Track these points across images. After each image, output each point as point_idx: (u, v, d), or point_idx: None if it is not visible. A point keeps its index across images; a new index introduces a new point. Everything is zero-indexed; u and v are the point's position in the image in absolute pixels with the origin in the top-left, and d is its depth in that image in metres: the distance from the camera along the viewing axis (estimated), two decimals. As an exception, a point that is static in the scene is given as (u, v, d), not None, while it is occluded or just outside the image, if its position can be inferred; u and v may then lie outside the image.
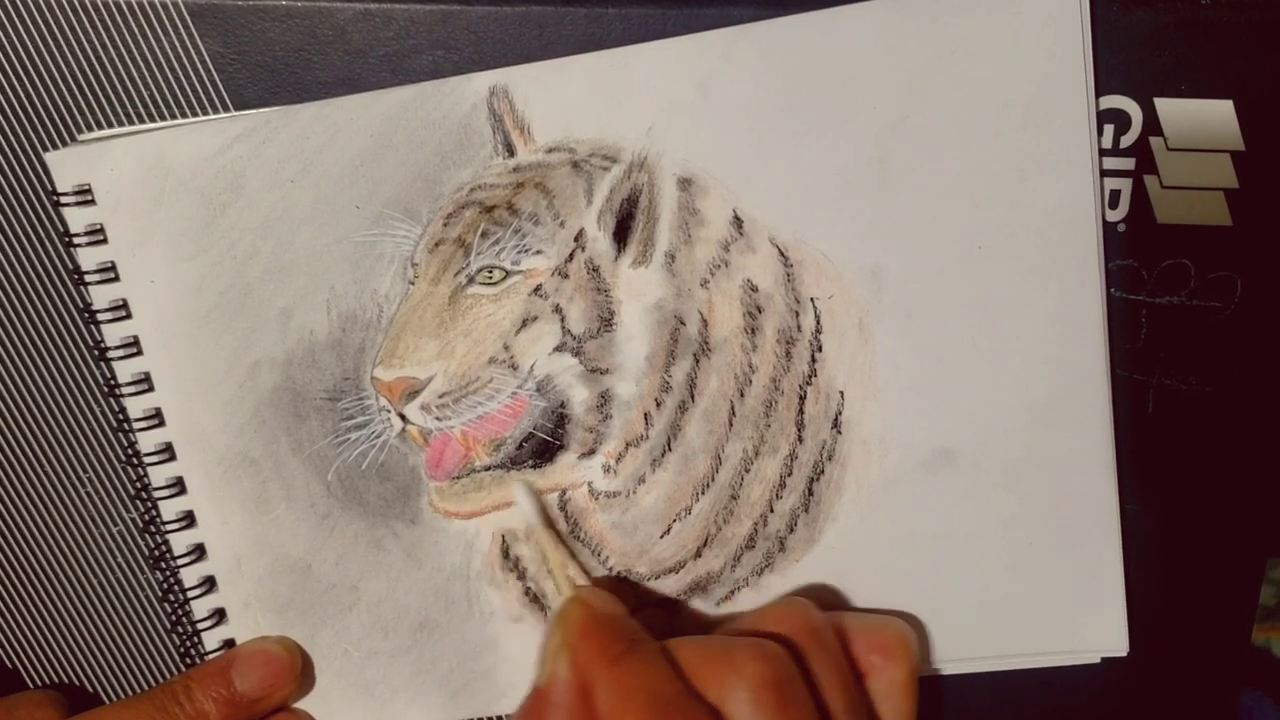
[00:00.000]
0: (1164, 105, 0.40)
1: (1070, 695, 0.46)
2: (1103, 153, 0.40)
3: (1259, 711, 0.46)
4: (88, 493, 0.47)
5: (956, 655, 0.45)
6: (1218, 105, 0.39)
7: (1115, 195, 0.40)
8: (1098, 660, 0.45)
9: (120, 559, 0.48)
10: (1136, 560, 0.44)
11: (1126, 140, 0.40)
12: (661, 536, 0.45)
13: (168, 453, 0.45)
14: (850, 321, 0.42)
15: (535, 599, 0.46)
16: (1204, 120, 0.40)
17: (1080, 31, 0.39)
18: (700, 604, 0.45)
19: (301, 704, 0.47)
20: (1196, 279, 0.41)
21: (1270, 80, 0.39)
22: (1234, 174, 0.40)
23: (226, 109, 0.42)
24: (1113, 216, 0.41)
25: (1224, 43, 0.39)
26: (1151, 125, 0.40)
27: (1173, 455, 0.42)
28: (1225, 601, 0.44)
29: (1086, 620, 0.44)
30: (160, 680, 0.49)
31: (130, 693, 0.49)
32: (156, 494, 0.45)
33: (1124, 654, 0.44)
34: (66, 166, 0.42)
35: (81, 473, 0.47)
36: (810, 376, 0.43)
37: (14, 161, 0.43)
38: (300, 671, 0.46)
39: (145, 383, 0.44)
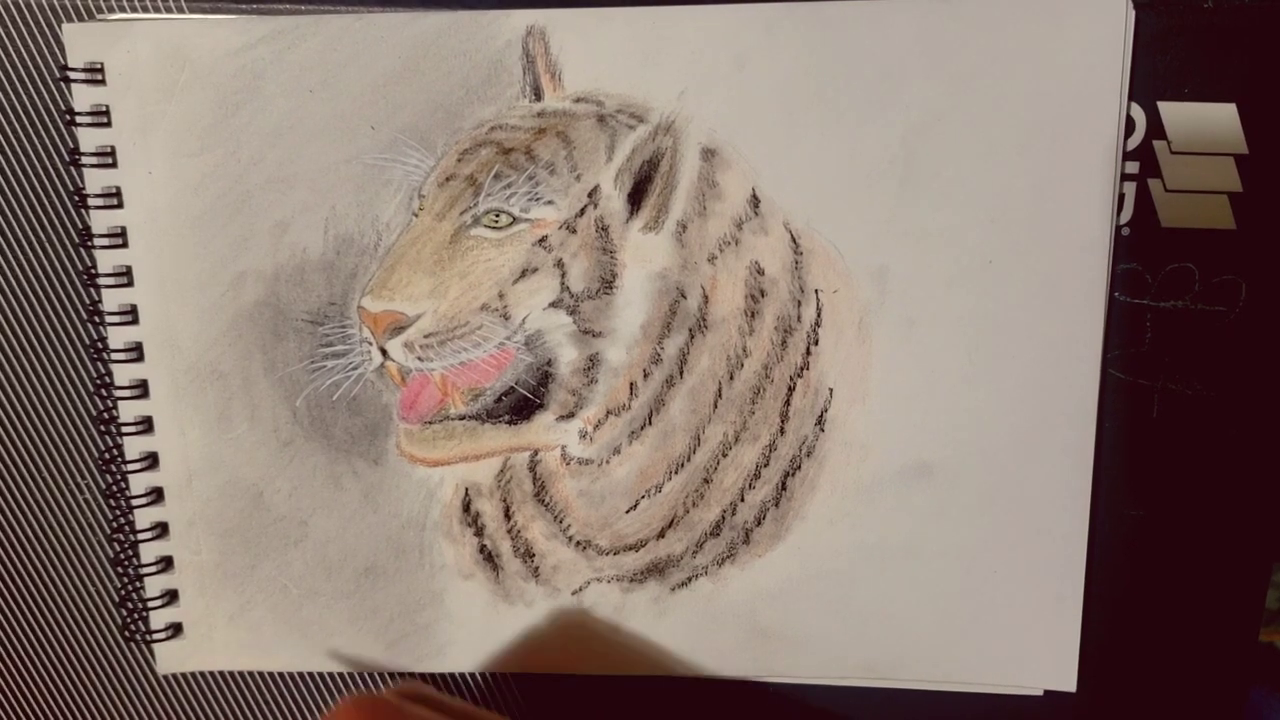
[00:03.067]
0: (1168, 109, 0.40)
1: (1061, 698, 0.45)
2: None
3: (1268, 708, 0.46)
4: (46, 380, 0.45)
5: (905, 674, 0.44)
6: (1221, 109, 0.40)
7: (1120, 199, 0.40)
8: (1040, 693, 0.44)
9: (70, 460, 0.46)
10: (1142, 564, 0.43)
11: (1131, 144, 0.40)
12: (628, 511, 0.44)
13: (136, 352, 0.43)
14: (851, 319, 0.42)
15: (489, 557, 0.45)
16: (1207, 124, 0.40)
17: (1122, 61, 0.39)
18: (656, 587, 0.44)
19: (232, 635, 0.46)
20: (1200, 283, 0.41)
21: (1273, 84, 0.39)
22: (1238, 177, 0.40)
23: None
24: (1117, 220, 0.41)
25: (1227, 46, 0.39)
26: (1155, 129, 0.40)
27: (1178, 460, 0.42)
28: (1231, 605, 0.43)
29: (1039, 653, 0.44)
30: (93, 591, 0.47)
31: (55, 596, 0.48)
32: (118, 393, 0.44)
33: (1072, 690, 0.44)
34: (82, 41, 0.41)
35: (42, 357, 0.45)
36: (802, 369, 0.42)
37: (32, 35, 0.42)
38: None
39: (125, 276, 0.43)
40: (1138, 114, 0.40)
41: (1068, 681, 0.44)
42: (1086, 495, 0.42)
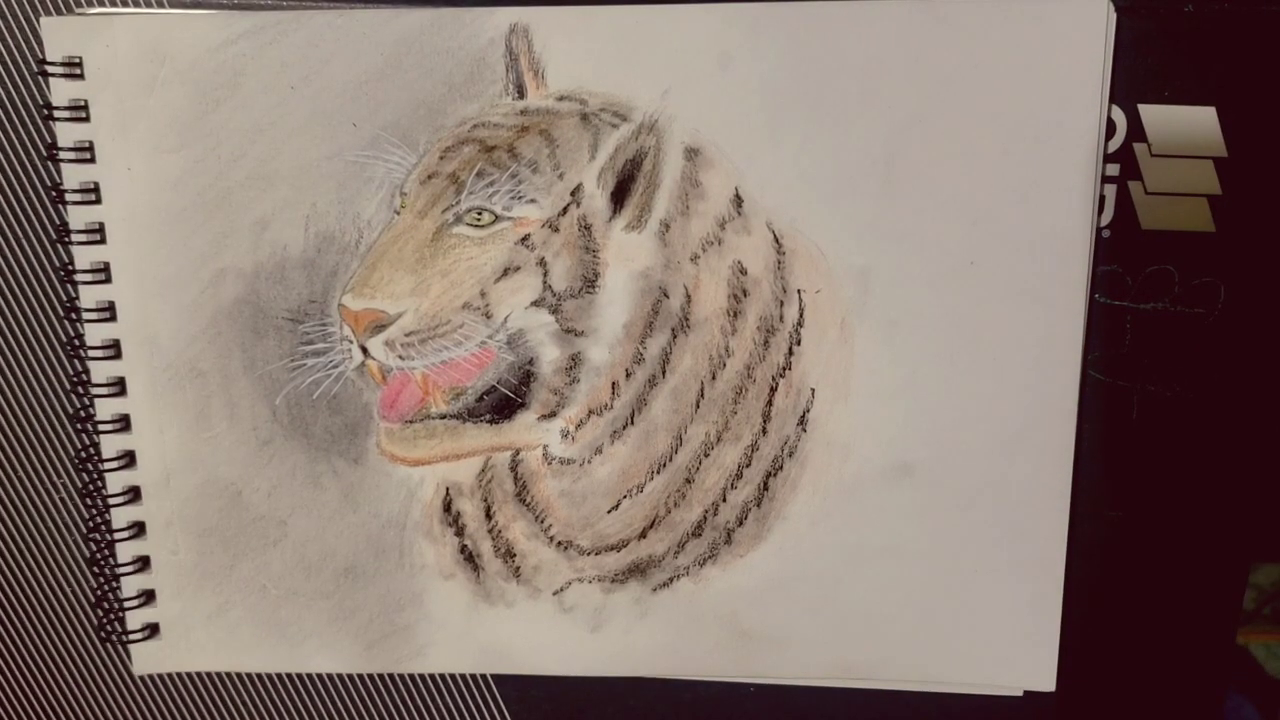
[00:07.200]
0: (1148, 111, 0.40)
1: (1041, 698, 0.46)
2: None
3: (1239, 714, 0.46)
4: (22, 377, 0.45)
5: (885, 674, 0.44)
6: (1201, 112, 0.40)
7: (1100, 201, 0.41)
8: (1020, 694, 0.44)
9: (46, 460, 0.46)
10: (1120, 565, 0.44)
11: (1111, 146, 0.40)
12: (609, 511, 0.44)
13: (114, 350, 0.43)
14: (833, 320, 0.42)
15: (470, 558, 0.44)
16: (1187, 127, 0.40)
17: (1103, 63, 0.39)
18: (637, 588, 0.44)
19: (209, 636, 0.46)
20: (1180, 285, 0.41)
21: (1253, 87, 0.40)
22: (1217, 180, 0.40)
23: None
24: (1098, 222, 0.41)
25: (1207, 50, 0.40)
26: (1136, 131, 0.40)
27: (1156, 461, 0.42)
28: (1209, 606, 0.44)
29: (1019, 654, 0.44)
30: (68, 591, 0.47)
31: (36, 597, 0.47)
32: (95, 390, 0.43)
33: (1051, 690, 0.44)
34: (61, 35, 0.41)
35: (18, 353, 0.45)
36: (784, 369, 0.42)
37: (9, 28, 0.41)
38: None
39: (104, 273, 0.42)
40: (1118, 116, 0.40)
41: (1047, 682, 0.44)
42: (1066, 496, 0.42)
